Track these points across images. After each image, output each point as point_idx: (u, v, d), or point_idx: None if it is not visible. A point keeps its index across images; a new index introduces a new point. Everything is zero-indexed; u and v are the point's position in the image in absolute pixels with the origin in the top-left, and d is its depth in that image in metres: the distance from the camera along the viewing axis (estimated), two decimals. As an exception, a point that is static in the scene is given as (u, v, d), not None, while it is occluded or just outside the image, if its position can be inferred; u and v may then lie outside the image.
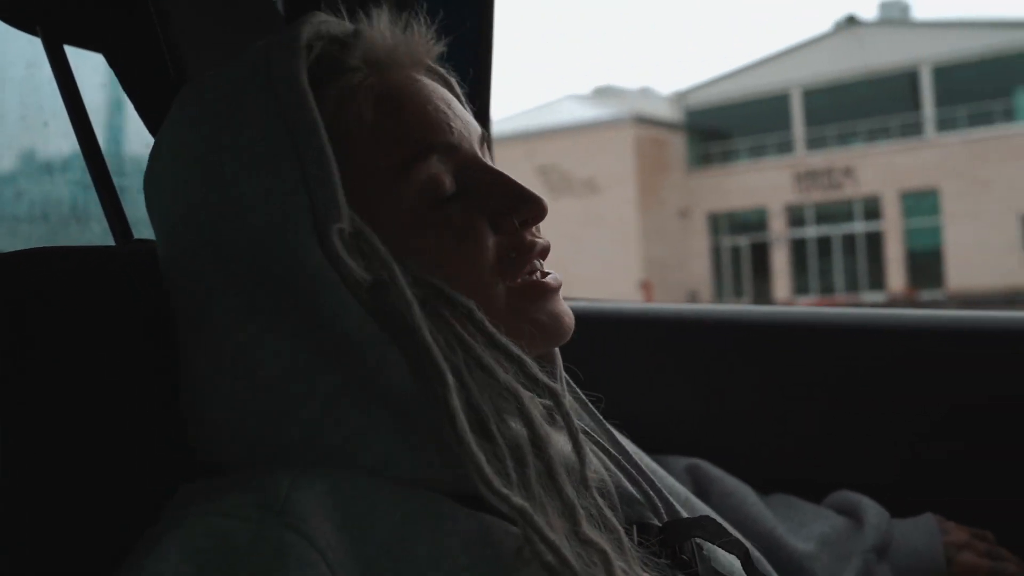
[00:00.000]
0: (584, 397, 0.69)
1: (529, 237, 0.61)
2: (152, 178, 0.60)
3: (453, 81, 0.68)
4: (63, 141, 1.32)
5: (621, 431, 0.72)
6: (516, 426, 0.53)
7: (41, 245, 0.63)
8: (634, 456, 0.69)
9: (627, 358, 1.16)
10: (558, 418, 0.57)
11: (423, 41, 0.64)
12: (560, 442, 0.56)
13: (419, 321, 0.51)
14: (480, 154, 0.62)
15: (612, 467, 0.65)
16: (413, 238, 0.57)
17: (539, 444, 0.52)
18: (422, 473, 0.52)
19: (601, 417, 0.69)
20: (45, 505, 0.57)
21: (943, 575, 0.88)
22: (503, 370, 0.53)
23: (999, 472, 0.99)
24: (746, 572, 0.63)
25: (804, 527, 0.91)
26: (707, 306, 1.24)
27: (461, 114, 0.63)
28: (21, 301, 0.59)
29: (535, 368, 0.55)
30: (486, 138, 0.64)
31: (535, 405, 0.54)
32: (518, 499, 0.48)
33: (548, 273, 0.62)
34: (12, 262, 0.61)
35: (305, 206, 0.52)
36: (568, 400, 0.57)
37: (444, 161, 0.59)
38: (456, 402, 0.49)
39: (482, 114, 1.13)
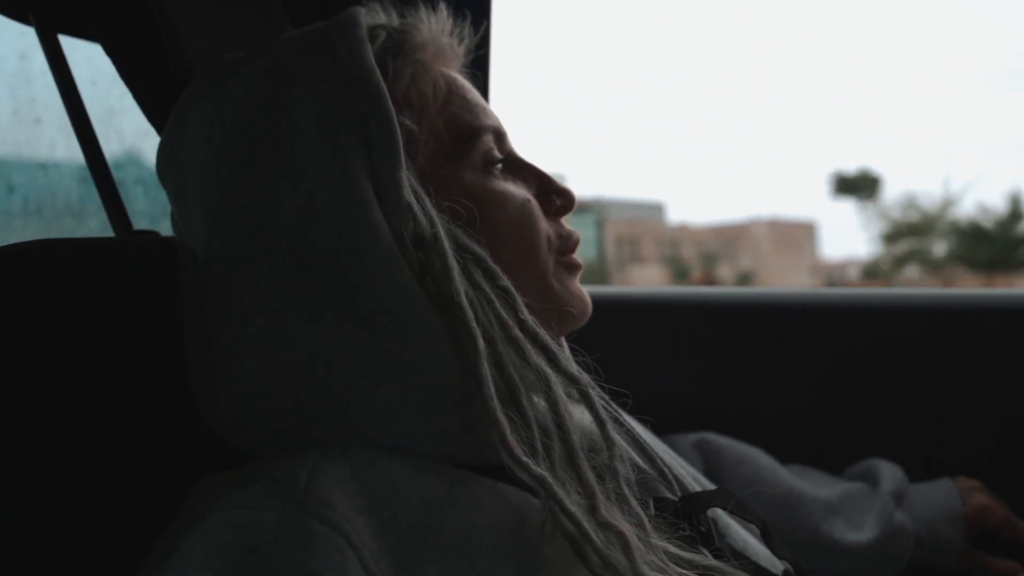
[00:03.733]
0: (590, 380, 0.69)
1: (564, 228, 0.65)
2: (175, 158, 0.59)
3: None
4: (57, 134, 1.31)
5: (628, 414, 0.72)
6: (542, 406, 0.53)
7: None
8: (644, 436, 0.69)
9: (631, 342, 1.16)
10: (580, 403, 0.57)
11: (465, 40, 0.68)
12: (585, 425, 0.56)
13: (458, 284, 0.52)
14: None
15: (626, 447, 0.65)
16: (478, 206, 0.58)
17: (563, 427, 0.52)
18: (446, 448, 0.52)
19: (610, 400, 0.69)
20: (62, 500, 0.57)
21: (959, 518, 0.89)
22: (533, 352, 0.54)
23: (1007, 453, 1.00)
24: (764, 542, 0.63)
25: (822, 487, 0.93)
26: (712, 289, 1.24)
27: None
28: (27, 293, 0.59)
29: (561, 355, 0.56)
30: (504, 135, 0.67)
31: (561, 389, 0.54)
32: (538, 468, 0.49)
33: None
34: (15, 253, 0.60)
35: (365, 166, 0.52)
36: (596, 390, 0.57)
37: (500, 140, 0.64)
38: (486, 369, 0.51)
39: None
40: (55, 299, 0.59)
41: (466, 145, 0.61)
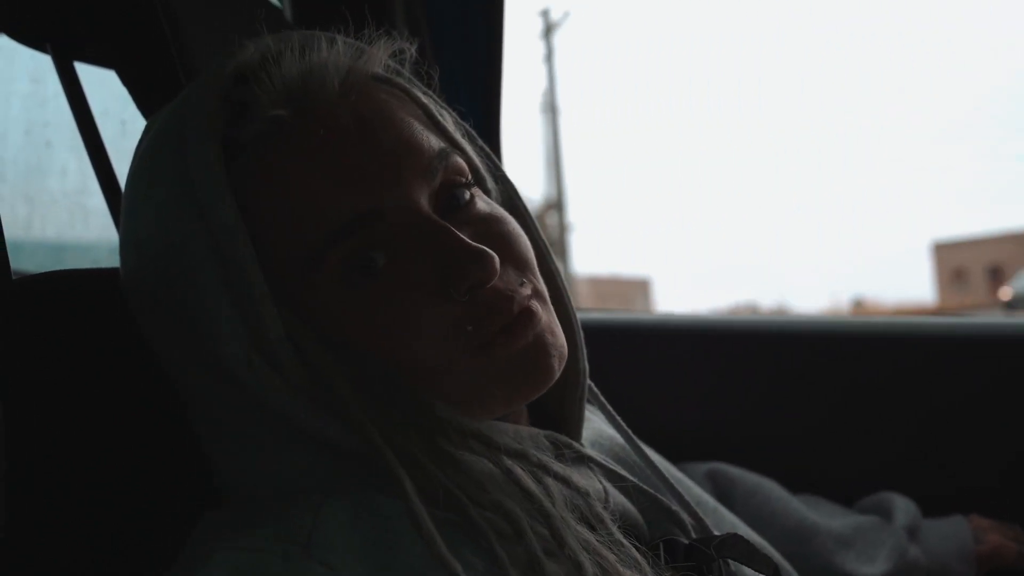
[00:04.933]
0: (611, 409, 0.68)
1: (486, 303, 0.52)
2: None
3: (414, 89, 0.60)
4: (68, 155, 1.31)
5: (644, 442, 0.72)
6: (510, 504, 0.49)
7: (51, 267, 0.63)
8: (660, 467, 0.68)
9: (643, 369, 1.16)
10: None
11: (352, 55, 0.57)
12: (574, 480, 0.55)
13: (368, 430, 0.49)
14: (424, 196, 0.54)
15: (637, 482, 0.64)
16: (346, 330, 0.52)
17: (543, 511, 0.50)
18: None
19: (627, 428, 0.68)
20: (64, 535, 0.56)
21: (972, 557, 0.88)
22: (480, 453, 0.51)
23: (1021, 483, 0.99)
24: None
25: (835, 518, 0.92)
26: (722, 316, 1.24)
27: (402, 145, 0.54)
28: (42, 324, 0.59)
29: (501, 436, 0.53)
30: (445, 155, 0.55)
31: (519, 468, 0.52)
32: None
33: (521, 314, 0.54)
34: (32, 285, 0.61)
35: (235, 316, 0.50)
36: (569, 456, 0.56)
37: (371, 228, 0.52)
38: (419, 509, 0.46)
39: (492, 134, 1.13)
40: (66, 331, 0.60)
41: (320, 257, 0.51)
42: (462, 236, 0.52)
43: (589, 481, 0.58)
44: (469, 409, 0.53)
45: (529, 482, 0.51)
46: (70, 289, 0.62)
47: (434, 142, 0.56)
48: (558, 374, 0.55)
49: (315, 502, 0.48)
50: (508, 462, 0.51)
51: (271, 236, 0.52)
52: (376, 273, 0.52)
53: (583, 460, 0.60)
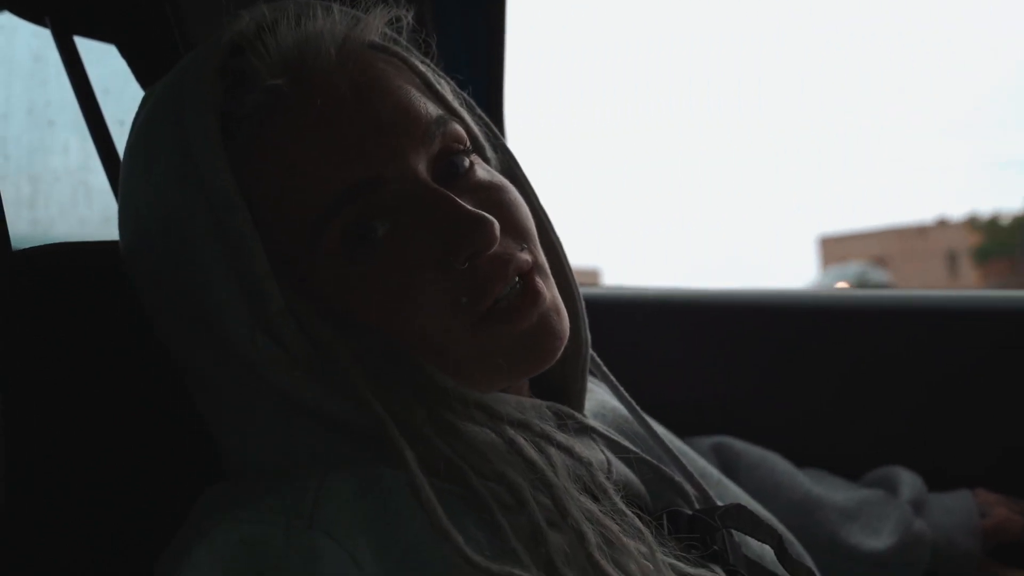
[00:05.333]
0: (615, 380, 0.68)
1: (483, 274, 0.51)
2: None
3: (411, 57, 0.60)
4: (71, 133, 1.31)
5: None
6: (512, 474, 0.49)
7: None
8: (665, 439, 0.68)
9: (649, 343, 1.16)
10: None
11: (348, 23, 0.55)
12: (578, 451, 0.54)
13: (371, 403, 0.49)
14: (423, 163, 0.53)
15: (640, 452, 0.64)
16: (347, 302, 0.51)
17: (546, 481, 0.49)
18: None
19: (630, 399, 0.68)
20: (65, 510, 0.57)
21: (978, 531, 0.88)
22: (482, 423, 0.51)
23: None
24: (779, 559, 0.62)
25: (839, 491, 0.92)
26: (729, 289, 1.23)
27: (400, 113, 0.53)
28: (43, 296, 0.59)
29: (503, 406, 0.52)
30: (443, 122, 0.55)
31: (521, 438, 0.51)
32: (497, 567, 0.44)
33: (524, 285, 0.54)
34: (33, 257, 0.60)
35: (236, 292, 0.50)
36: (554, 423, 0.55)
37: (371, 197, 0.51)
38: (420, 480, 0.46)
39: (495, 112, 1.12)
40: (65, 301, 0.59)
41: (320, 228, 0.51)
42: (462, 203, 0.51)
43: (592, 452, 0.58)
44: (470, 382, 0.53)
45: (532, 452, 0.51)
46: (70, 262, 0.61)
47: (432, 109, 0.55)
48: (559, 353, 0.55)
49: (318, 475, 0.48)
50: (511, 432, 0.51)
51: (271, 209, 0.52)
52: (376, 242, 0.51)
53: (586, 431, 0.59)
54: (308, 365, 0.50)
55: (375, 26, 0.58)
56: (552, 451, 0.52)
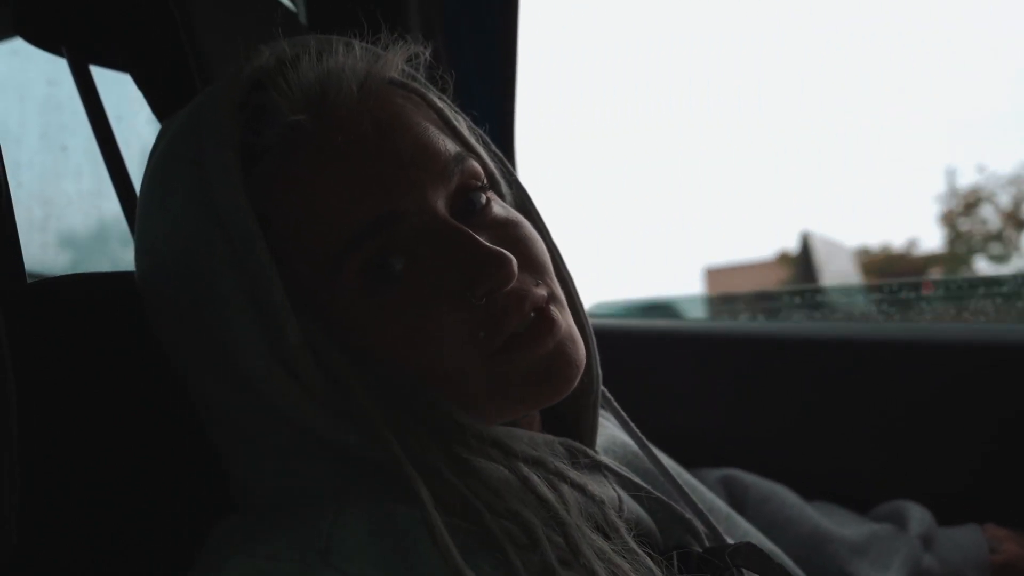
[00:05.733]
0: (625, 415, 0.68)
1: (500, 308, 0.52)
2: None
3: (429, 93, 0.60)
4: (83, 159, 1.32)
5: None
6: (526, 512, 0.49)
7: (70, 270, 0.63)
8: (673, 474, 0.68)
9: (656, 375, 1.16)
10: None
11: (369, 60, 0.56)
12: (589, 487, 0.54)
13: (386, 438, 0.49)
14: (441, 200, 0.54)
15: (651, 490, 0.64)
16: (365, 337, 0.52)
17: (559, 519, 0.49)
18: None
19: (640, 434, 0.68)
20: (75, 541, 0.56)
21: (987, 566, 0.88)
22: (497, 460, 0.51)
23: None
24: None
25: (848, 526, 0.92)
26: (734, 323, 1.23)
27: (419, 149, 0.54)
28: (57, 328, 0.59)
29: (515, 442, 0.53)
30: (461, 159, 0.55)
31: (535, 476, 0.51)
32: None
33: (539, 316, 0.54)
34: (47, 288, 0.61)
35: (253, 324, 0.50)
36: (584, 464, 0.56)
37: (391, 232, 0.51)
38: (435, 518, 0.46)
39: (505, 138, 1.13)
40: (84, 334, 0.59)
41: (338, 264, 0.51)
42: (481, 239, 0.52)
43: (603, 489, 0.58)
44: (485, 414, 0.53)
45: (545, 490, 0.51)
46: (86, 293, 0.62)
47: (450, 146, 0.56)
48: (576, 382, 0.55)
49: (332, 510, 0.48)
50: (524, 469, 0.51)
51: (290, 243, 0.52)
52: (395, 276, 0.52)
53: (597, 467, 0.59)
54: (324, 399, 0.50)
55: (395, 63, 0.58)
56: (565, 489, 0.52)
